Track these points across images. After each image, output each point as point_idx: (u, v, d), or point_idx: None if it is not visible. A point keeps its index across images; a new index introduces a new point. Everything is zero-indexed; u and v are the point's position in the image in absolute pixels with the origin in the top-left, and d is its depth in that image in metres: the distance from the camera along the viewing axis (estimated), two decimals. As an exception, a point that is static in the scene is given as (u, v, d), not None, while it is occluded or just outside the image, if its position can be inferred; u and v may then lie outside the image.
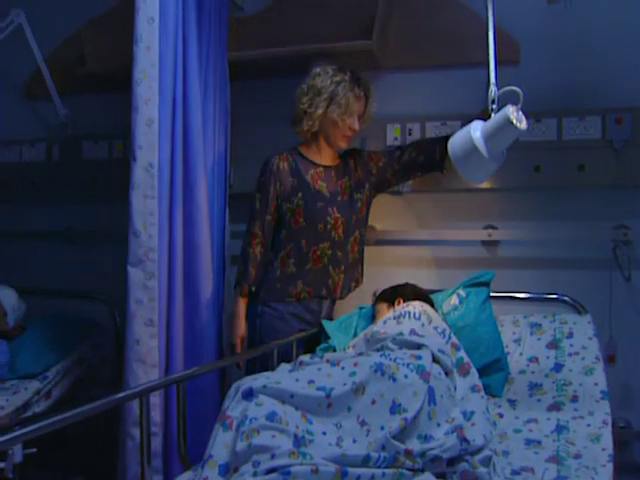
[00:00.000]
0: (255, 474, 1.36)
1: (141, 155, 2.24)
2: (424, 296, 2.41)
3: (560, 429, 1.95)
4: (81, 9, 3.19)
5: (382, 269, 2.83)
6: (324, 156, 2.49)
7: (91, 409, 1.53)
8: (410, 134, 2.81)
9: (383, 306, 2.42)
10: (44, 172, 3.36)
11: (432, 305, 2.37)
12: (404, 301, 2.35)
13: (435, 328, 2.13)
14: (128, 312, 2.27)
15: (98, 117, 3.20)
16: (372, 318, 2.47)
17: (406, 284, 2.50)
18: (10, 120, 3.43)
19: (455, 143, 2.07)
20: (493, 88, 2.07)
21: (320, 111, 2.36)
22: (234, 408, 1.58)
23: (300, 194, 2.39)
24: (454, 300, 2.45)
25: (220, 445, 1.50)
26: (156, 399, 2.25)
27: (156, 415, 2.28)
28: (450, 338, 2.11)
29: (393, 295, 2.43)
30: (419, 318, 2.16)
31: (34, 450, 2.22)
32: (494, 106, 2.06)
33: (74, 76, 3.14)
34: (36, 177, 3.37)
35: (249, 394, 1.60)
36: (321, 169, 2.46)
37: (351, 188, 2.48)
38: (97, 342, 3.02)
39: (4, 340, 2.74)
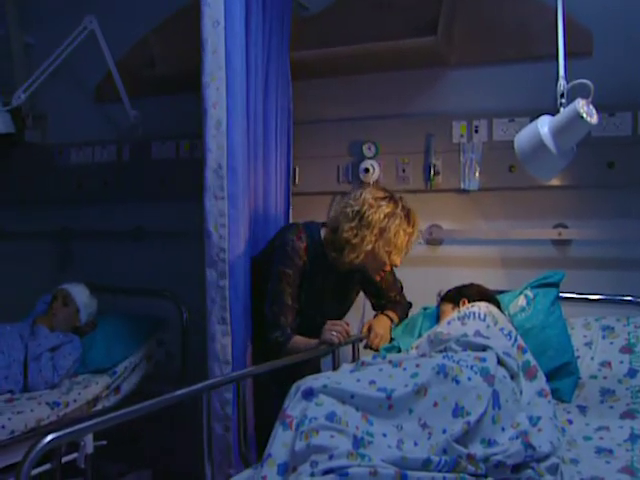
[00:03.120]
0: (313, 474, 1.36)
1: (211, 157, 2.26)
2: (490, 297, 2.36)
3: (634, 438, 1.86)
4: (149, 13, 3.27)
5: (447, 269, 2.80)
6: (339, 264, 2.30)
7: (155, 404, 1.58)
8: (477, 131, 2.75)
9: (448, 307, 2.38)
10: (115, 172, 3.46)
11: (498, 306, 2.31)
12: (469, 302, 2.31)
13: (501, 330, 2.07)
14: (207, 311, 2.30)
15: (165, 118, 3.26)
16: (436, 319, 2.42)
17: (471, 284, 2.44)
18: (82, 123, 3.54)
19: (522, 139, 2.01)
20: (562, 81, 1.99)
21: (369, 247, 2.17)
22: (294, 407, 1.58)
23: (303, 296, 2.29)
24: (521, 301, 2.38)
25: (279, 444, 1.50)
26: (229, 395, 2.25)
27: (230, 410, 2.27)
28: (516, 340, 2.05)
29: (458, 296, 2.38)
30: (484, 319, 2.11)
31: (104, 442, 2.30)
32: (563, 100, 1.98)
33: (143, 79, 3.22)
34: (107, 177, 3.47)
35: (309, 393, 1.59)
36: (331, 273, 2.33)
37: (350, 290, 2.47)
38: (164, 339, 3.08)
39: (77, 336, 2.83)
